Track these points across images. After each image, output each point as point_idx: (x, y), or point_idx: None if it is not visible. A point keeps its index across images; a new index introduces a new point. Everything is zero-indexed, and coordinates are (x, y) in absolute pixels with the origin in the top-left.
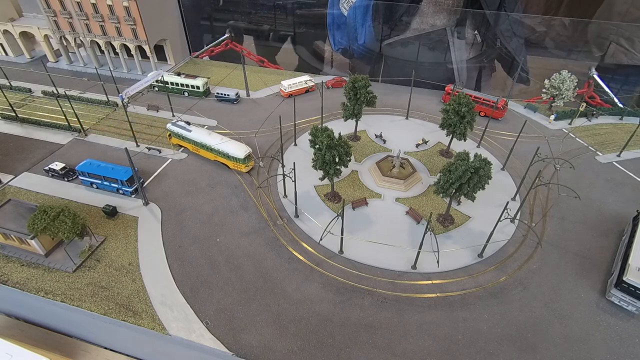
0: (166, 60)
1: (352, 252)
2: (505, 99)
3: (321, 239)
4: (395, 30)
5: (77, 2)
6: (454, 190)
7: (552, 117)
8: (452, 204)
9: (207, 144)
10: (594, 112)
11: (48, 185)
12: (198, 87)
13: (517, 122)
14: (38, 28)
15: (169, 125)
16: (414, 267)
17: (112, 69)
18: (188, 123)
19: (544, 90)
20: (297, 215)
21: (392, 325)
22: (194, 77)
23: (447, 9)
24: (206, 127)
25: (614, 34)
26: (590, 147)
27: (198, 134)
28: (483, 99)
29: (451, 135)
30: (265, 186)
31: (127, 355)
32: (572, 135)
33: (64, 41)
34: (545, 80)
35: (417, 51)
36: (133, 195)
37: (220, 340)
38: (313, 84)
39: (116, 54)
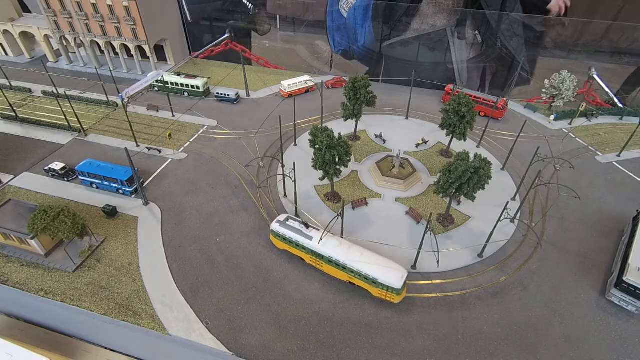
0: (166, 60)
1: None
2: (505, 99)
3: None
4: (396, 30)
5: (77, 2)
6: (454, 190)
7: (552, 117)
8: (452, 204)
9: (341, 262)
10: (594, 112)
11: (48, 185)
12: (198, 87)
13: (517, 122)
14: (38, 28)
15: (274, 226)
16: (414, 267)
17: (112, 69)
18: (306, 225)
19: (544, 90)
20: (297, 215)
21: (392, 325)
22: (194, 77)
23: (447, 9)
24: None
25: None
26: (590, 147)
27: (326, 246)
28: (483, 99)
29: (451, 135)
30: (265, 186)
31: (127, 355)
32: (572, 135)
33: (64, 41)
34: (545, 80)
35: (417, 51)
36: (133, 195)
37: (220, 340)
38: (313, 84)
39: (116, 54)
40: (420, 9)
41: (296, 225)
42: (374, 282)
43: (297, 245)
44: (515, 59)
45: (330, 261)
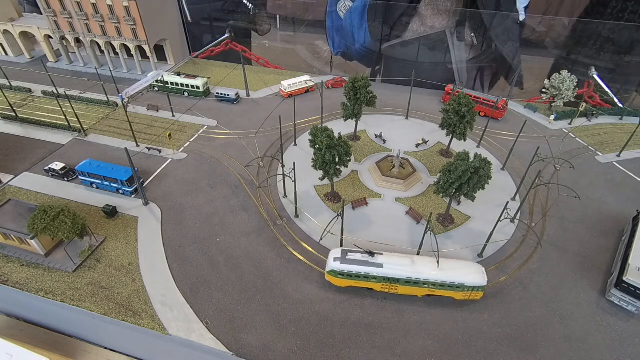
0: (166, 60)
1: None
2: (505, 99)
3: (321, 239)
4: (394, 31)
5: (77, 2)
6: (454, 190)
7: (552, 117)
8: (452, 204)
9: (422, 279)
10: (594, 112)
11: (48, 185)
12: (198, 87)
13: (517, 122)
14: (38, 28)
15: (334, 265)
16: None
17: (112, 69)
18: (371, 253)
19: (544, 90)
20: (297, 215)
21: (392, 325)
22: (194, 77)
23: (445, 11)
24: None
25: None
26: (590, 147)
27: (400, 268)
28: (483, 99)
29: (451, 135)
30: (265, 186)
31: (127, 355)
32: (572, 135)
33: (64, 41)
34: (545, 80)
35: (417, 52)
36: (133, 195)
37: (220, 340)
38: (313, 84)
39: (116, 54)
40: (419, 10)
41: (359, 256)
42: (458, 287)
43: (367, 277)
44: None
45: (407, 282)
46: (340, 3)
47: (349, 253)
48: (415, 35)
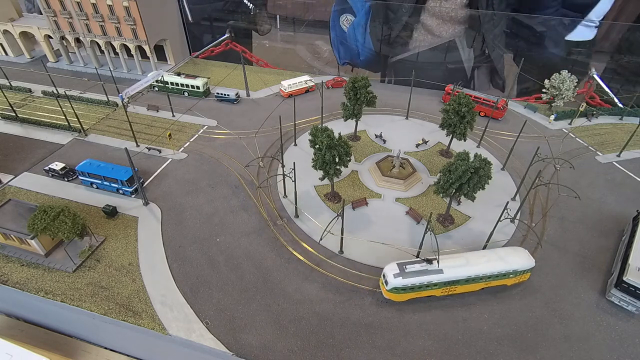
0: (166, 60)
1: (352, 252)
2: (505, 99)
3: (321, 239)
4: (399, 43)
5: (77, 2)
6: (454, 190)
7: (552, 117)
8: (452, 204)
9: (481, 274)
10: (594, 112)
11: (48, 185)
12: (198, 87)
13: (517, 122)
14: (38, 28)
15: (396, 282)
16: None
17: (112, 69)
18: (429, 260)
19: (544, 90)
20: (297, 215)
21: (392, 325)
22: (194, 77)
23: (449, 20)
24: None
25: None
26: (590, 147)
27: (457, 269)
28: (483, 99)
29: (451, 135)
30: (265, 186)
31: (127, 355)
32: (572, 135)
33: (64, 41)
34: (545, 80)
35: (425, 57)
36: (133, 195)
37: (220, 340)
38: (313, 84)
39: (116, 54)
40: (423, 22)
41: (418, 267)
42: (512, 273)
43: (428, 286)
44: (514, 58)
45: (467, 280)
46: (343, 17)
47: (406, 266)
48: (424, 48)
